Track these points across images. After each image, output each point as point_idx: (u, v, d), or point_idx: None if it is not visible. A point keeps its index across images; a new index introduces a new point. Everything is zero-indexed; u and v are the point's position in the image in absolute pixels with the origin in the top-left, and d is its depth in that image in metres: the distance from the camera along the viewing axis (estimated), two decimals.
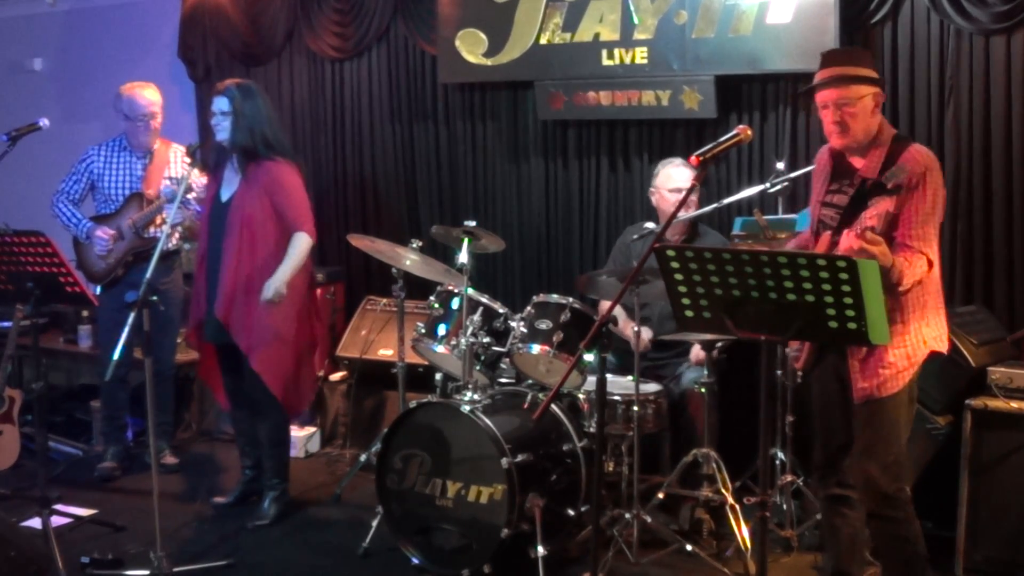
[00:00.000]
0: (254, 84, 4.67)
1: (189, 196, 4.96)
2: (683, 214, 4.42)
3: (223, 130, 4.48)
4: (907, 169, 3.07)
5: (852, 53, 3.53)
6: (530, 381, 4.46)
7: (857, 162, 3.29)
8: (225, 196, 4.53)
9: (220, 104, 4.47)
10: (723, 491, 4.24)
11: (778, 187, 4.34)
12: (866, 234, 2.92)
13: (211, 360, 4.73)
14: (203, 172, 4.88)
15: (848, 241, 3.09)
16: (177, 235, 5.24)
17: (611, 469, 4.29)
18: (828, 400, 3.41)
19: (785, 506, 4.22)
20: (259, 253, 4.44)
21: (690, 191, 3.57)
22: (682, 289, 2.84)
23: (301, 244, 4.47)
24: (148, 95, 5.15)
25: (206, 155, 4.82)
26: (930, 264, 3.16)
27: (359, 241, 4.69)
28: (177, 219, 4.97)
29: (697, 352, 4.55)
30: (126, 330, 3.78)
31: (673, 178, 4.69)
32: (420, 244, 4.64)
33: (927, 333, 3.25)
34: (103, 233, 5.08)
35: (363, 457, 5.10)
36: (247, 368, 4.48)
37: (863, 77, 3.23)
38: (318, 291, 5.25)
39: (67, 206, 5.18)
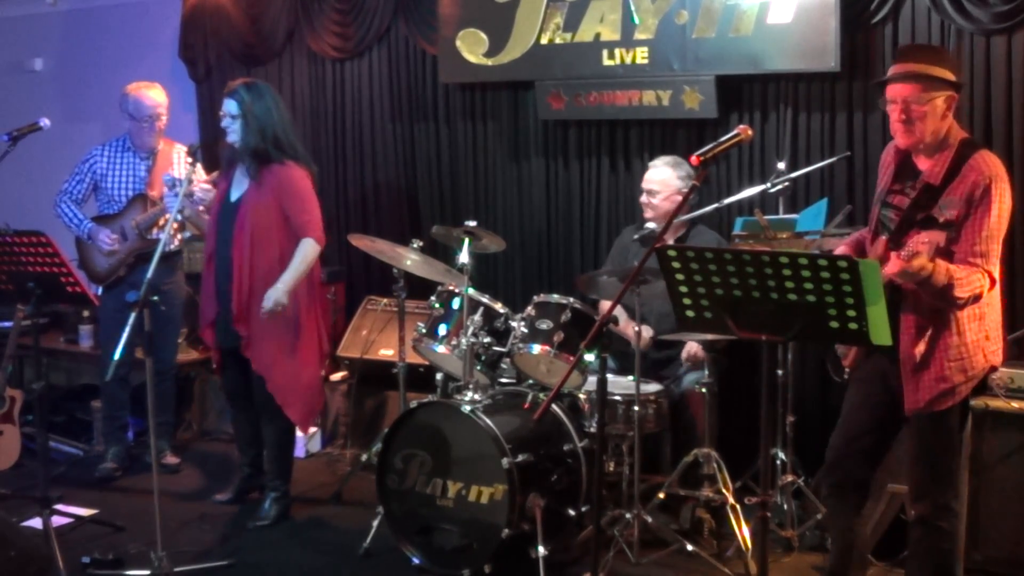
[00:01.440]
0: (264, 83, 4.60)
1: (190, 190, 4.88)
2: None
3: (234, 132, 4.44)
4: (958, 201, 2.95)
5: (933, 51, 3.35)
6: (531, 381, 4.45)
7: (923, 164, 3.18)
8: (234, 196, 4.50)
9: (229, 107, 4.43)
10: (724, 491, 4.24)
11: (779, 187, 4.35)
12: (913, 262, 2.87)
13: (220, 359, 4.71)
14: (207, 172, 4.85)
15: (893, 266, 2.96)
16: (180, 236, 5.23)
17: (612, 469, 4.30)
18: (865, 402, 3.35)
19: (786, 506, 4.22)
20: (265, 257, 4.40)
21: (690, 192, 3.54)
22: (683, 289, 2.83)
23: (307, 251, 4.41)
24: (154, 95, 5.12)
25: (209, 154, 4.79)
26: (992, 282, 3.06)
27: (359, 241, 4.69)
28: (178, 206, 4.89)
29: (689, 349, 4.54)
30: (127, 330, 3.78)
31: (646, 178, 4.75)
32: (421, 244, 4.64)
33: (988, 347, 3.18)
34: (106, 237, 5.08)
35: (364, 457, 5.11)
36: (253, 372, 4.48)
37: (939, 78, 3.10)
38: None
39: (69, 206, 5.17)
